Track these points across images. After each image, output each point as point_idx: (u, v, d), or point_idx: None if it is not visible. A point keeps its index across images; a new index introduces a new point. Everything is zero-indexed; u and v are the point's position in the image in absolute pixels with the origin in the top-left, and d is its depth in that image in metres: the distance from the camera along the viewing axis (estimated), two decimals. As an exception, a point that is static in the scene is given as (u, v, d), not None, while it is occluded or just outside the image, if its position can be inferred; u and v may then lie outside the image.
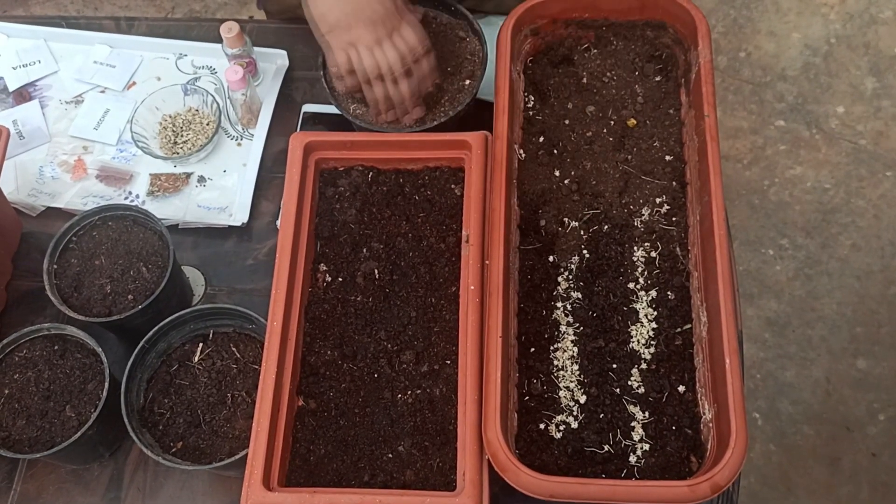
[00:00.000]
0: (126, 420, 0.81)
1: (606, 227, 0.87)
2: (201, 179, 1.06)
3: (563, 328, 0.83)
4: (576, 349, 0.82)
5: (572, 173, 0.90)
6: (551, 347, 0.82)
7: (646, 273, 0.84)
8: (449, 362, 0.83)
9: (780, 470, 1.67)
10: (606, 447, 0.77)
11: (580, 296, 0.84)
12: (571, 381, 0.81)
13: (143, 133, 1.07)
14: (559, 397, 0.80)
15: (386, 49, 0.87)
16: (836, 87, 2.04)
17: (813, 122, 2.01)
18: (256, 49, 1.11)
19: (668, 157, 0.89)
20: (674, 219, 0.87)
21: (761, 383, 1.75)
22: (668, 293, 0.83)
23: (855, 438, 1.69)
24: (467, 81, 0.97)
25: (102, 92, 1.12)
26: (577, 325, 0.83)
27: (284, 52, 1.13)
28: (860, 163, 1.96)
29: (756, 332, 1.80)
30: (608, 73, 0.94)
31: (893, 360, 1.76)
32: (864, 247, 1.87)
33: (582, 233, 0.87)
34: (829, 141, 1.99)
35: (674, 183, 0.88)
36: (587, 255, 0.86)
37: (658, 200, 0.87)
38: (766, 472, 1.67)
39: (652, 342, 0.81)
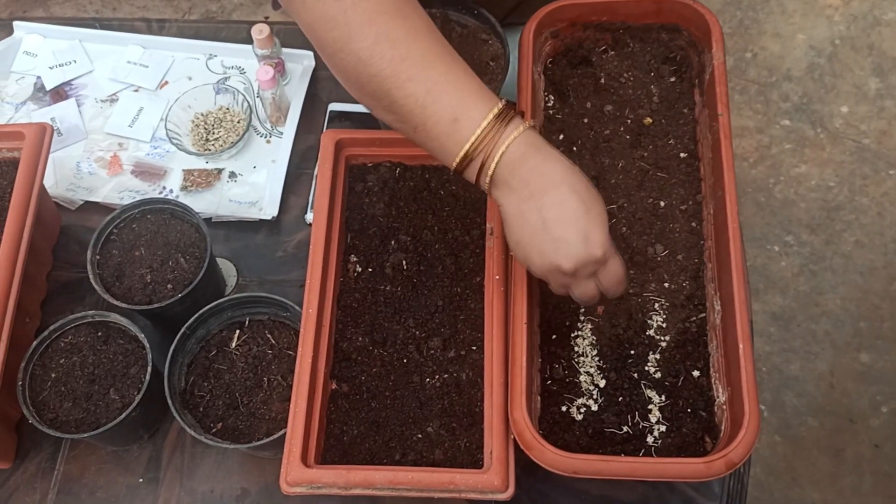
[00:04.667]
0: (169, 402, 0.86)
1: (624, 220, 0.91)
2: (232, 175, 1.10)
3: (582, 316, 0.87)
4: (595, 336, 0.86)
5: (591, 170, 0.94)
6: (572, 335, 0.87)
7: (662, 264, 0.89)
8: (475, 348, 0.88)
9: (785, 460, 1.72)
10: (625, 428, 0.81)
11: (599, 286, 0.88)
12: (591, 367, 0.85)
13: (176, 130, 1.11)
14: (580, 382, 0.84)
15: (575, 292, 0.76)
16: (841, 88, 2.09)
17: (817, 121, 2.05)
18: (284, 50, 1.15)
19: (682, 154, 0.94)
20: (688, 213, 0.91)
21: (767, 376, 1.79)
22: (684, 283, 0.87)
23: (858, 430, 1.74)
24: (490, 83, 1.01)
25: (136, 91, 1.17)
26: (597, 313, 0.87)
27: (311, 53, 1.17)
28: (864, 161, 2.00)
29: (762, 326, 1.84)
30: (625, 74, 0.98)
31: (896, 354, 1.80)
32: (867, 243, 1.91)
33: (600, 226, 0.91)
34: (833, 140, 2.03)
35: (688, 179, 0.92)
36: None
37: (673, 195, 0.92)
38: (772, 463, 1.71)
39: (668, 330, 0.86)
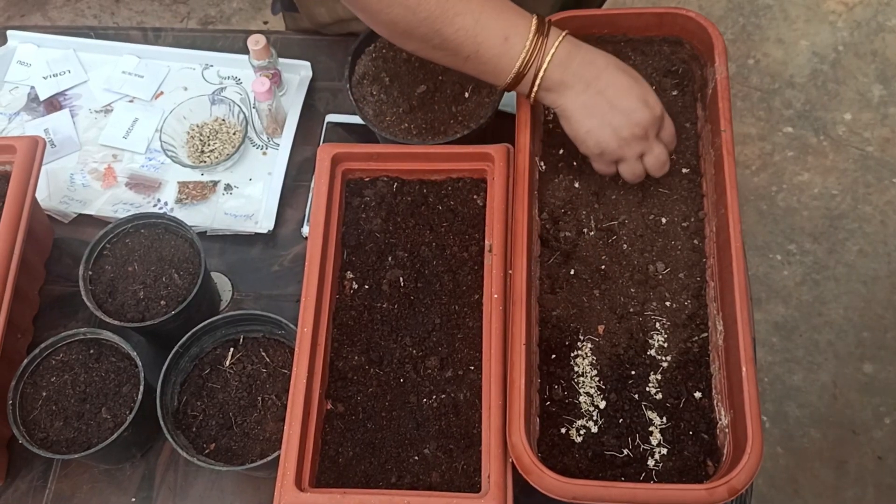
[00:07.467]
0: (161, 422, 0.84)
1: (625, 237, 0.90)
2: (228, 187, 1.09)
3: (582, 335, 0.86)
4: (595, 356, 0.85)
5: (592, 185, 0.92)
6: (572, 354, 0.85)
7: (663, 282, 0.87)
8: (472, 368, 0.86)
9: (787, 472, 1.70)
10: (625, 451, 0.80)
11: (600, 304, 0.87)
12: (591, 387, 0.83)
13: (171, 142, 1.10)
14: (579, 403, 0.83)
15: (648, 160, 0.86)
16: (844, 95, 2.07)
17: (820, 128, 2.04)
18: (281, 60, 1.14)
19: (684, 170, 0.92)
20: (690, 230, 0.89)
21: (769, 387, 1.78)
22: (686, 302, 0.86)
23: (861, 442, 1.72)
24: (490, 95, 1.00)
25: (131, 101, 1.15)
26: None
27: (308, 64, 1.16)
28: (867, 169, 1.98)
29: (764, 336, 1.82)
30: (626, 88, 0.96)
31: (899, 364, 1.79)
32: (870, 252, 1.89)
33: (601, 243, 0.90)
34: (836, 147, 2.01)
35: (690, 195, 0.91)
36: (606, 264, 0.89)
37: (675, 212, 0.90)
38: (774, 475, 1.70)
39: (669, 350, 0.84)
